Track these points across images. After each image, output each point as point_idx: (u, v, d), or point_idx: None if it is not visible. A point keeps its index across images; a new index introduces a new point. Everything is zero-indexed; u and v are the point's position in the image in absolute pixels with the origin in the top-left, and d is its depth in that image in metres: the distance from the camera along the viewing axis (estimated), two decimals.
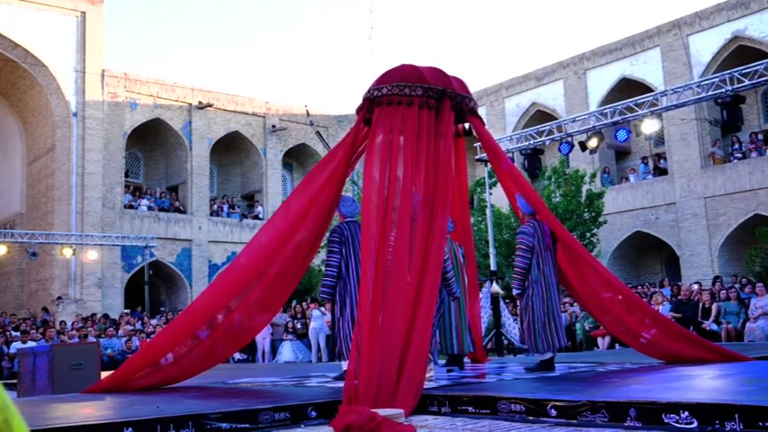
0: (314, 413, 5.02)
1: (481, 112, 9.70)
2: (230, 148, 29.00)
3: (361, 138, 6.96)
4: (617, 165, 25.67)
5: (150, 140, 27.58)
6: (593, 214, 20.40)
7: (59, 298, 23.06)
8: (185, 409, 4.84)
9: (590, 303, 7.71)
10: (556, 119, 19.79)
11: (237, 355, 16.56)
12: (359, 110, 6.95)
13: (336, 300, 7.02)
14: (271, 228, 7.00)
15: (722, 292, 14.57)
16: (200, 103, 26.94)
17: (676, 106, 13.94)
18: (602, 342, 14.78)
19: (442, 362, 8.11)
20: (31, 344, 15.18)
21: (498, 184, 20.02)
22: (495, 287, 14.01)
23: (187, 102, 26.84)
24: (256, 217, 28.05)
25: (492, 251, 15.76)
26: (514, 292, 7.59)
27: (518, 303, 7.94)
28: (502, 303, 14.10)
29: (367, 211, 6.08)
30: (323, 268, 7.54)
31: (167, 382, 6.97)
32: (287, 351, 17.01)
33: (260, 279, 6.85)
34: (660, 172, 23.66)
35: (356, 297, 6.53)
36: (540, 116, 25.15)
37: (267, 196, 28.52)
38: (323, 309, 17.17)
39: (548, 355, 7.35)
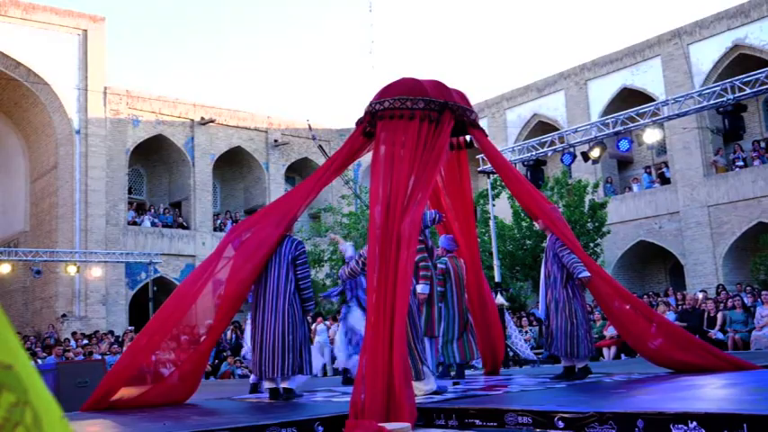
0: (321, 428, 4.99)
1: (483, 123, 9.71)
2: (233, 164, 29.05)
3: (356, 148, 7.06)
4: (619, 174, 25.67)
5: (153, 157, 27.64)
6: (597, 224, 20.39)
7: (64, 315, 23.05)
8: (191, 426, 4.83)
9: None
10: (557, 129, 19.82)
11: (241, 371, 16.52)
12: (359, 122, 6.99)
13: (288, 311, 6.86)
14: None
15: (728, 300, 14.52)
16: (202, 118, 26.99)
17: (678, 115, 13.94)
18: (608, 352, 14.72)
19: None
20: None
21: (501, 196, 19.93)
22: (500, 299, 13.97)
23: (189, 118, 26.90)
24: None
25: (496, 262, 15.75)
26: (585, 274, 7.07)
27: (561, 296, 7.29)
28: (507, 315, 14.05)
29: (373, 226, 6.08)
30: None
31: (176, 400, 6.91)
32: None
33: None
34: (663, 181, 23.64)
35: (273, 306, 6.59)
36: (542, 127, 25.18)
37: None
38: (327, 323, 17.15)
39: (584, 363, 7.36)
